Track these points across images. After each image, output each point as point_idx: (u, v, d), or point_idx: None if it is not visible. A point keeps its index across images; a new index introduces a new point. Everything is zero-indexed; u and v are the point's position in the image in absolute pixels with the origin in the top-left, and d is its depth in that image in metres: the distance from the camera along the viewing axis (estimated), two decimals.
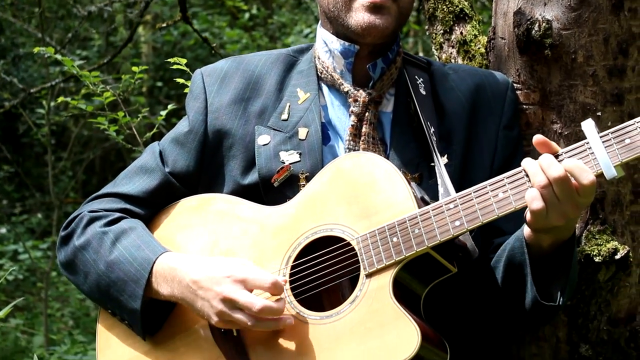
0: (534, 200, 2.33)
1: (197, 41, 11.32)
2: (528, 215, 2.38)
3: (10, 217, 9.71)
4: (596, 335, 2.80)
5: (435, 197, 2.56)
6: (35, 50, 4.15)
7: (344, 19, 2.63)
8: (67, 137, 10.63)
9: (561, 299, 2.46)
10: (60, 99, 4.09)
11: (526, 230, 2.46)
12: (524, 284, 2.49)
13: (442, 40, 3.29)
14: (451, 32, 3.28)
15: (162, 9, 10.98)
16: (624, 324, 2.83)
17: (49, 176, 7.36)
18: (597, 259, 2.72)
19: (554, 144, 2.37)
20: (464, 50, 3.23)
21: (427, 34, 3.40)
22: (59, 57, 4.12)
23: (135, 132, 4.02)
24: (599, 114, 2.77)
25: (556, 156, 2.36)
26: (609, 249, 2.73)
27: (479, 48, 3.17)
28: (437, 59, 3.30)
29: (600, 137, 2.33)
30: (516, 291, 2.52)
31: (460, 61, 3.21)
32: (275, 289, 2.43)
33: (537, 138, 2.36)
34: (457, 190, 2.53)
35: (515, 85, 2.83)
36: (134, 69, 4.02)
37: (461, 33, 3.25)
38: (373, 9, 2.59)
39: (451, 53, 3.26)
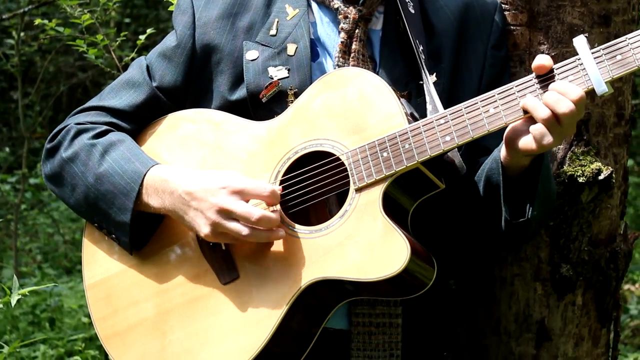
0: (545, 136, 2.36)
1: None
2: (530, 146, 2.39)
3: None
4: (577, 256, 2.84)
5: (423, 116, 2.55)
6: None
7: None
8: (34, 72, 10.48)
9: (529, 213, 2.49)
10: (38, 20, 4.02)
11: (502, 151, 2.48)
12: (499, 205, 2.52)
13: None
14: None
15: None
16: (604, 245, 2.87)
17: (18, 108, 7.26)
18: (580, 180, 2.75)
19: (550, 61, 2.38)
20: None
21: None
22: None
23: (114, 56, 3.97)
24: (586, 35, 2.75)
25: (550, 72, 2.37)
26: (592, 169, 2.75)
27: None
28: None
29: (592, 53, 2.33)
30: (493, 211, 2.55)
31: None
32: (273, 198, 2.44)
33: (535, 64, 2.38)
34: (445, 108, 2.53)
35: (503, 5, 2.82)
36: None
37: None
38: None
39: None
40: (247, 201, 2.44)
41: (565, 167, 2.77)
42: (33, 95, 9.64)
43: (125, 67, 3.97)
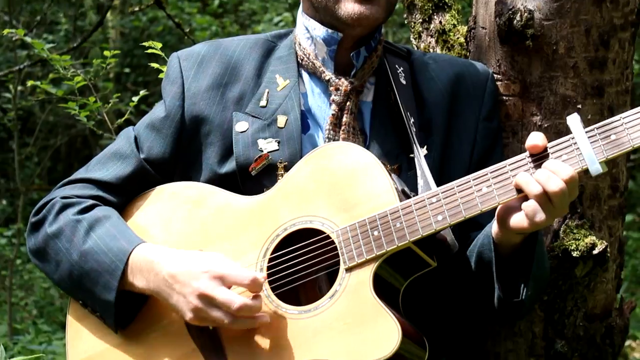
0: (537, 214, 2.32)
1: (165, 27, 11.19)
2: (522, 224, 2.35)
3: None
4: (572, 331, 2.78)
5: (414, 189, 2.53)
6: (5, 32, 4.06)
7: (334, 10, 2.57)
8: (33, 122, 10.47)
9: (524, 294, 2.44)
10: (30, 82, 4.00)
11: (494, 227, 2.44)
12: (492, 282, 2.47)
13: (420, 29, 3.25)
14: (430, 21, 3.23)
15: None
16: (599, 319, 2.81)
17: (14, 162, 7.24)
18: (574, 254, 2.70)
19: (544, 140, 2.34)
20: (442, 39, 3.19)
21: (406, 22, 3.36)
22: (28, 39, 4.03)
23: (106, 118, 3.94)
24: (579, 106, 2.74)
25: (544, 150, 2.33)
26: (586, 243, 2.71)
27: (457, 38, 3.14)
28: (415, 48, 3.27)
29: (586, 132, 2.30)
30: (486, 288, 2.51)
31: (439, 51, 3.18)
32: (254, 286, 2.38)
33: (529, 143, 2.35)
34: (436, 182, 2.50)
35: (495, 75, 2.80)
36: (106, 53, 3.95)
37: (440, 22, 3.21)
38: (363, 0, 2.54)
39: (430, 42, 3.22)
40: (229, 287, 2.39)
41: (559, 241, 2.72)
42: (31, 146, 9.63)
43: (118, 129, 3.95)
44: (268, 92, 2.65)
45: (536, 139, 2.35)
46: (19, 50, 7.87)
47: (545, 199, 2.32)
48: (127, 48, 11.26)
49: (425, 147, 2.61)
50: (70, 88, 4.04)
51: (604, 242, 2.72)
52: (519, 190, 2.34)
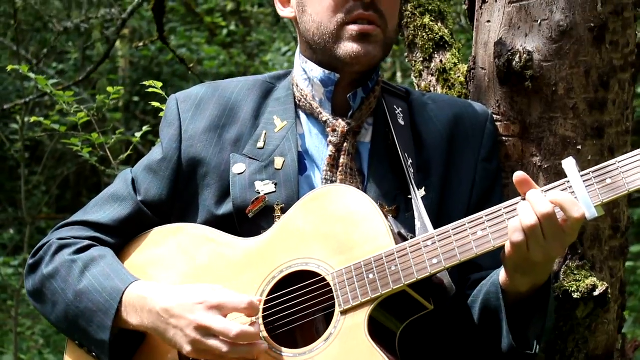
0: (515, 232, 2.28)
1: (174, 57, 11.24)
2: (507, 248, 2.32)
3: None
4: None
5: (412, 231, 2.51)
6: (9, 68, 4.08)
7: (332, 50, 2.58)
8: (41, 151, 10.50)
9: (537, 347, 2.41)
10: (34, 118, 4.01)
11: (502, 274, 2.41)
12: (500, 329, 2.44)
13: (421, 68, 3.26)
14: (431, 60, 3.24)
15: (140, 23, 10.91)
16: None
17: (21, 192, 7.25)
18: (575, 295, 2.68)
19: (533, 183, 2.33)
20: (443, 78, 3.19)
21: (407, 61, 3.36)
22: (32, 75, 4.05)
23: (109, 154, 3.95)
24: (579, 147, 2.73)
25: None
26: (587, 285, 2.69)
27: (458, 77, 3.13)
28: (417, 87, 3.27)
29: (581, 176, 2.28)
30: (492, 334, 2.47)
31: (439, 90, 3.18)
32: (251, 310, 2.38)
33: (518, 176, 2.32)
34: (435, 223, 2.49)
35: (495, 116, 2.79)
36: (109, 89, 3.96)
37: (441, 61, 3.21)
38: (361, 37, 2.55)
39: (430, 81, 3.22)
40: (225, 316, 2.38)
41: (559, 282, 2.70)
42: (39, 175, 9.65)
43: (122, 163, 3.96)
44: (265, 134, 2.65)
45: (528, 184, 2.32)
46: (27, 82, 7.90)
47: (537, 225, 2.27)
48: (137, 77, 11.31)
49: (424, 188, 2.60)
50: (75, 122, 4.05)
51: (605, 283, 2.70)
52: None
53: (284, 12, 2.73)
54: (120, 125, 10.07)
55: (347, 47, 2.56)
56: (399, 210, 2.58)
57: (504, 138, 2.79)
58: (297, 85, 2.69)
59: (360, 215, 2.41)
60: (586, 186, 2.27)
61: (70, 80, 7.25)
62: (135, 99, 11.47)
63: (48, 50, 6.00)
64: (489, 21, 2.83)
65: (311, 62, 2.65)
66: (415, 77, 3.29)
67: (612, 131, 2.76)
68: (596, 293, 2.68)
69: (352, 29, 2.55)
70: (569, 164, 2.30)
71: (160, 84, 3.38)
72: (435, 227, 2.46)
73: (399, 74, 10.06)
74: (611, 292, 2.73)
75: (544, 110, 2.74)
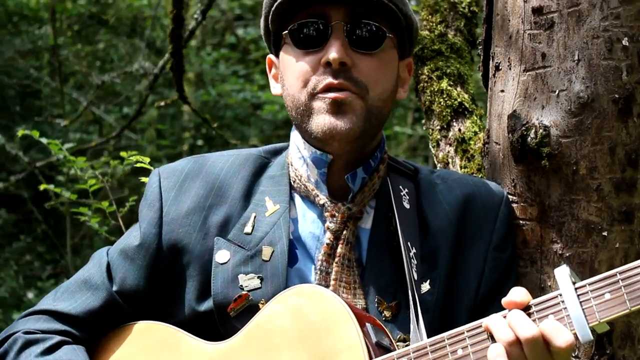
0: (498, 357, 1.99)
1: (236, 101, 11.14)
2: None
3: (37, 282, 9.47)
4: None
5: (409, 331, 2.25)
6: (20, 133, 3.92)
7: (307, 124, 2.33)
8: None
9: None
10: (43, 186, 3.84)
11: None
12: None
13: (439, 137, 2.98)
14: (449, 128, 2.97)
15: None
16: None
17: (66, 245, 7.16)
18: None
19: (525, 297, 2.02)
20: (462, 149, 2.92)
21: (424, 129, 3.09)
22: (44, 140, 3.88)
23: (122, 224, 3.74)
24: (605, 233, 2.42)
25: (527, 308, 2.01)
26: None
27: (478, 147, 2.85)
28: (434, 157, 2.99)
29: (576, 288, 1.95)
30: None
31: (457, 161, 2.90)
32: None
33: (505, 301, 2.05)
34: (439, 319, 2.26)
35: (510, 197, 2.50)
36: (122, 153, 3.76)
37: (459, 130, 2.94)
38: (334, 108, 2.28)
39: (448, 152, 2.94)
40: None
41: None
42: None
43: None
44: (255, 217, 2.39)
45: (515, 295, 2.04)
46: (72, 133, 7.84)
47: (518, 348, 2.00)
48: (200, 121, 11.22)
49: (428, 281, 2.32)
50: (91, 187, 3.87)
51: None
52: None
53: (275, 89, 2.49)
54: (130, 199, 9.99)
55: (319, 121, 2.30)
56: (399, 307, 2.32)
57: (520, 222, 2.49)
58: (292, 164, 2.44)
59: (334, 324, 2.15)
60: (581, 301, 1.94)
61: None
62: (199, 142, 11.37)
63: (81, 112, 5.87)
64: (502, 91, 2.54)
65: (302, 139, 2.40)
66: (433, 147, 3.02)
67: None
68: None
69: (322, 97, 2.29)
70: (561, 274, 1.97)
71: (147, 159, 3.14)
72: (439, 324, 2.22)
73: None
74: None
75: (564, 191, 2.43)
